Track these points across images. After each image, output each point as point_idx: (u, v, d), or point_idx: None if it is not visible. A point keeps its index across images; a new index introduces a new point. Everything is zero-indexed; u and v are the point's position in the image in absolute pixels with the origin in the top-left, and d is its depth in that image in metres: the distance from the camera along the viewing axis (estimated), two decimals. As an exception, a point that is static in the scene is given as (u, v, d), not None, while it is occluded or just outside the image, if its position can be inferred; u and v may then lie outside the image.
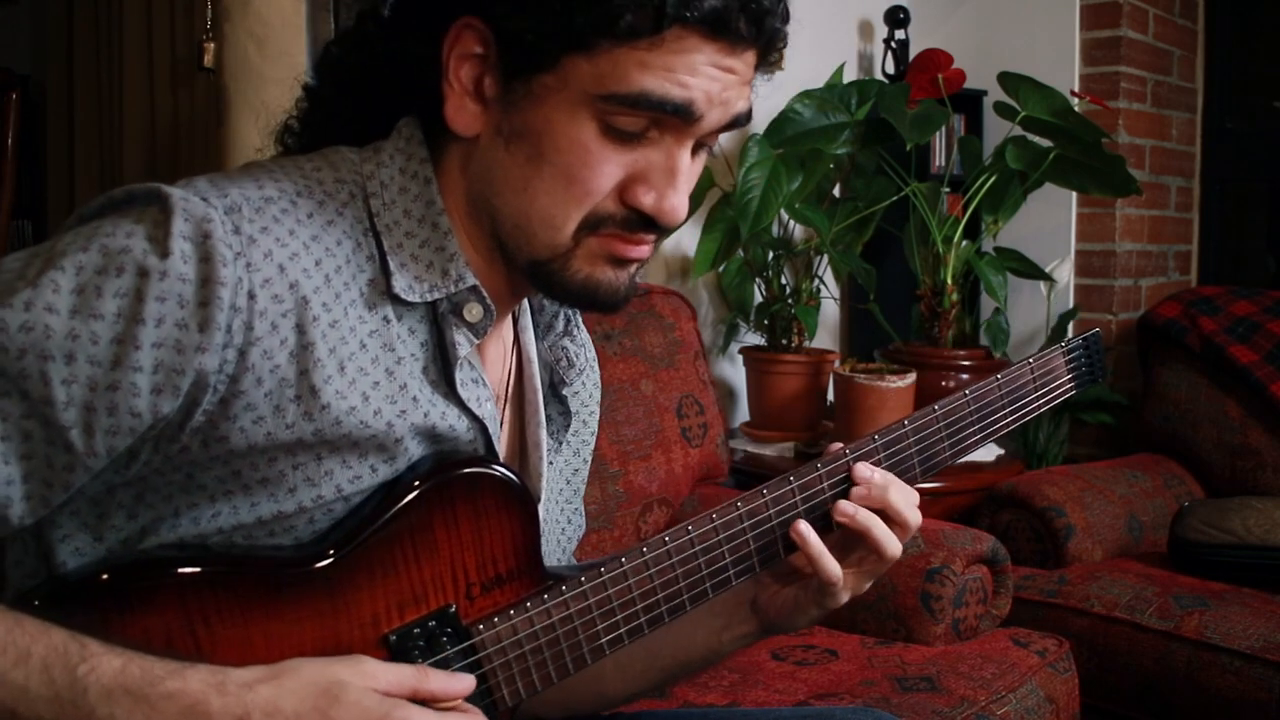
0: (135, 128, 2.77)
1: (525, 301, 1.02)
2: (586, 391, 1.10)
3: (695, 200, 2.52)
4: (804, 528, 0.95)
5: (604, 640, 0.91)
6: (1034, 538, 2.37)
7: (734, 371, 2.81)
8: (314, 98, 0.95)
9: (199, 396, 0.77)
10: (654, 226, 0.86)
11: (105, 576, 0.78)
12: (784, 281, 2.65)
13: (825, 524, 0.97)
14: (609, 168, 0.83)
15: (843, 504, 0.96)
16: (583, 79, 0.81)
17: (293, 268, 0.80)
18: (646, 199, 0.84)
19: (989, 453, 2.65)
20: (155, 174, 2.66)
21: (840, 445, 0.99)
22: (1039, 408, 1.06)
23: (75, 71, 2.99)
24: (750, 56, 0.86)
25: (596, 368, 1.12)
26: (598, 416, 1.12)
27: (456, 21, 0.83)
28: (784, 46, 0.91)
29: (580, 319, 1.06)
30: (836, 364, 2.59)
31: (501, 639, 0.88)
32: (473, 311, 0.88)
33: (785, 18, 0.87)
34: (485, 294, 0.88)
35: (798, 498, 0.96)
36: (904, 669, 1.69)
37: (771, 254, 2.62)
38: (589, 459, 1.13)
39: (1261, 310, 2.70)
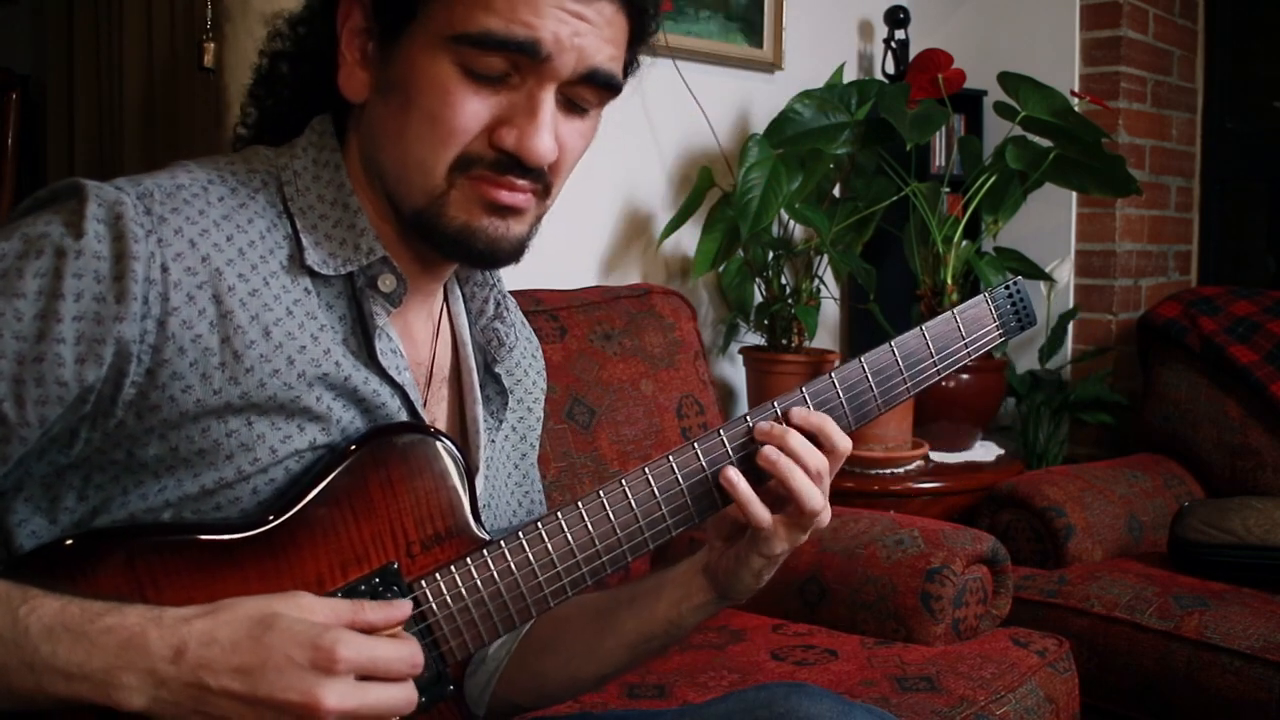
0: (135, 128, 2.77)
1: (458, 288, 1.07)
2: (529, 379, 1.14)
3: (695, 200, 2.53)
4: (732, 473, 0.96)
5: (546, 591, 0.93)
6: (1034, 538, 2.37)
7: (734, 371, 2.81)
8: (255, 102, 1.03)
9: (124, 367, 0.82)
10: (523, 170, 0.89)
11: (50, 548, 0.83)
12: (784, 281, 2.65)
13: (757, 476, 0.97)
14: (472, 108, 0.87)
15: (766, 450, 0.96)
16: (438, 22, 0.86)
17: (203, 242, 0.85)
18: (509, 138, 0.87)
19: (989, 452, 2.65)
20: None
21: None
22: (967, 355, 1.05)
23: (75, 71, 2.99)
24: (607, 8, 0.88)
25: (541, 358, 1.17)
26: (542, 403, 1.17)
27: None
28: (655, 13, 0.94)
29: (511, 302, 1.10)
30: (836, 364, 2.58)
31: (444, 593, 0.91)
32: (386, 282, 0.93)
33: None
34: (396, 265, 0.94)
35: (728, 448, 0.97)
36: (904, 669, 1.69)
37: (771, 254, 2.62)
38: (536, 445, 1.17)
39: (1261, 310, 2.70)
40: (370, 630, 0.82)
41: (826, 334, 3.09)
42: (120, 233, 0.81)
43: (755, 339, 2.71)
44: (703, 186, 2.53)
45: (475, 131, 0.88)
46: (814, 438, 0.97)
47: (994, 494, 2.44)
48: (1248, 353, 2.63)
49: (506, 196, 0.90)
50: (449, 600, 0.91)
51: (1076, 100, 2.71)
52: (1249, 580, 2.16)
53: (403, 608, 0.85)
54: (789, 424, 0.97)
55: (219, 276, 0.85)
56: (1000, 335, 1.07)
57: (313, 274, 0.91)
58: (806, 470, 0.96)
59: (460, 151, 0.88)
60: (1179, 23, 3.23)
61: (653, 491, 0.96)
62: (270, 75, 1.01)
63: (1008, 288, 1.08)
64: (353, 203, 0.93)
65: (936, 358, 1.04)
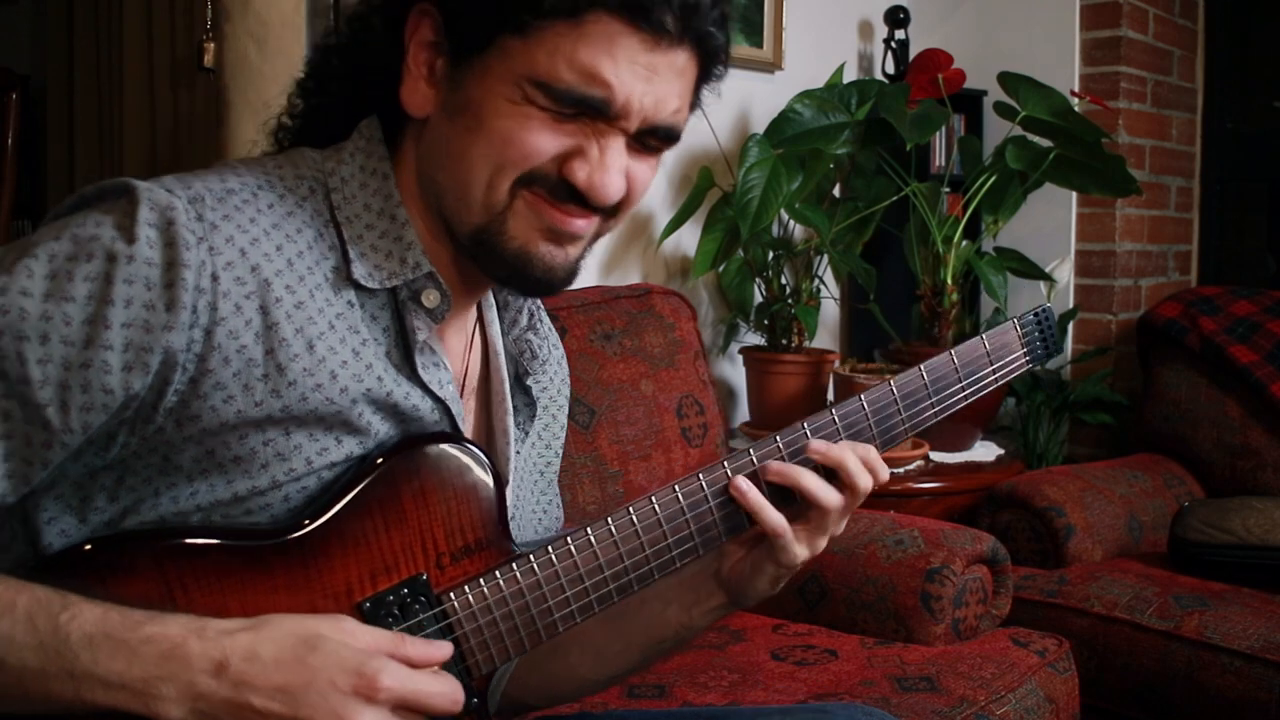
0: (135, 128, 2.77)
1: (491, 297, 1.07)
2: (554, 387, 1.14)
3: (695, 200, 2.53)
4: (742, 483, 0.96)
5: (573, 607, 0.93)
6: (1034, 538, 2.37)
7: (734, 371, 2.81)
8: (304, 95, 1.00)
9: (169, 375, 0.81)
10: (585, 204, 0.89)
11: (86, 549, 0.82)
12: (784, 281, 2.64)
13: (785, 496, 0.98)
14: (546, 136, 0.87)
15: (772, 464, 0.97)
16: (516, 60, 0.85)
17: (254, 252, 0.84)
18: (580, 173, 0.87)
19: (989, 452, 2.65)
20: (155, 174, 2.66)
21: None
22: (994, 381, 1.06)
23: (75, 71, 2.99)
24: (679, 58, 0.88)
25: (565, 366, 1.16)
26: (566, 411, 1.16)
27: (414, 9, 0.90)
28: (725, 58, 0.93)
29: (544, 314, 1.10)
30: (836, 364, 2.59)
31: (472, 605, 0.91)
32: (430, 297, 0.92)
33: (721, 22, 0.90)
34: (441, 280, 0.92)
35: (756, 468, 0.97)
36: (904, 669, 1.69)
37: (771, 254, 2.62)
38: (560, 452, 1.16)
39: (1261, 310, 2.70)
40: (409, 665, 0.81)
41: (826, 334, 3.09)
42: (172, 239, 0.80)
43: (755, 339, 2.71)
44: (703, 186, 2.53)
45: (547, 157, 0.87)
46: (832, 474, 0.98)
47: (994, 494, 2.43)
48: (1248, 353, 2.63)
49: (566, 223, 0.89)
50: (476, 614, 0.91)
51: (1076, 100, 2.71)
52: (1249, 580, 2.16)
53: (443, 648, 0.85)
54: (808, 454, 0.97)
55: (267, 287, 0.84)
56: (1027, 361, 1.08)
57: (357, 286, 0.90)
58: (842, 484, 0.97)
59: (524, 170, 0.87)
60: (1179, 23, 3.23)
61: (681, 509, 0.96)
62: (321, 70, 0.99)
63: (1036, 314, 1.09)
64: (400, 214, 0.92)
65: (964, 382, 1.05)
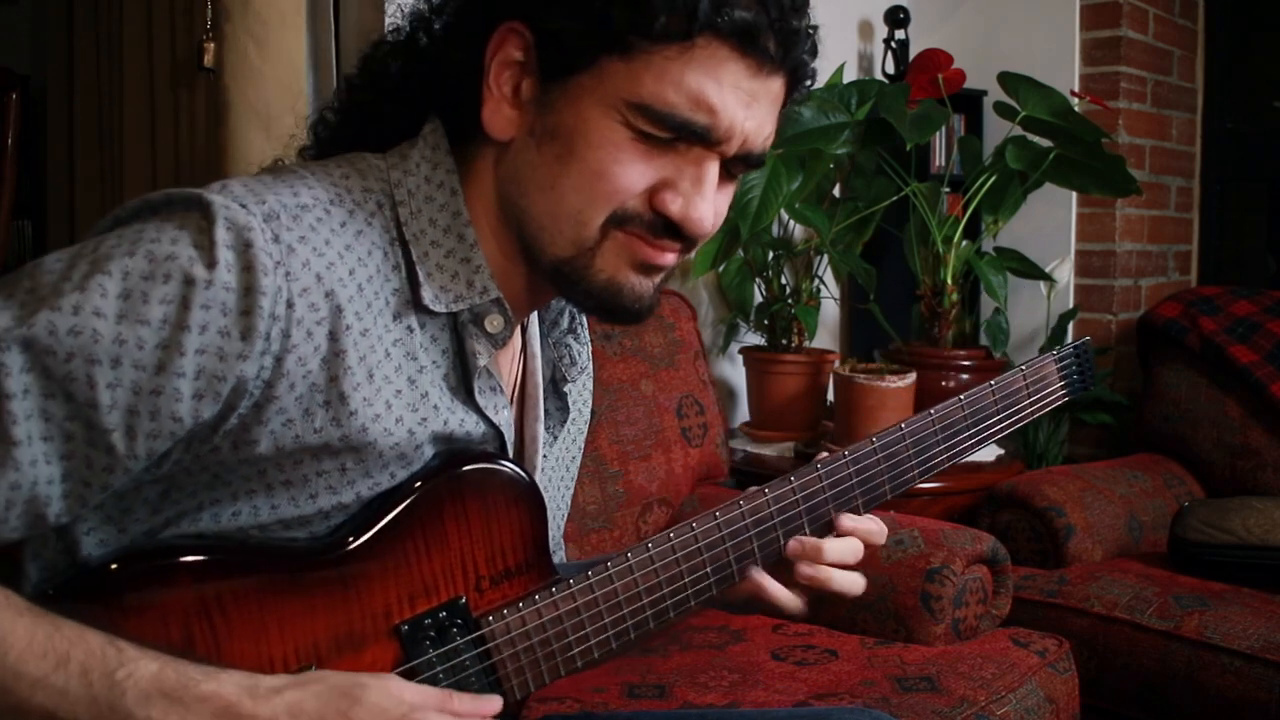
0: (135, 128, 2.77)
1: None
2: (581, 383, 1.12)
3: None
4: (757, 574, 0.99)
5: (610, 634, 0.93)
6: (1034, 538, 2.36)
7: (734, 371, 2.81)
8: (354, 93, 0.97)
9: (236, 402, 0.79)
10: (679, 235, 0.87)
11: (121, 564, 0.81)
12: (784, 281, 2.64)
13: (824, 530, 1.01)
14: (639, 168, 0.84)
15: (801, 568, 0.99)
16: (617, 82, 0.83)
17: (329, 277, 0.81)
18: (674, 205, 0.85)
19: (989, 453, 2.65)
20: (155, 174, 2.66)
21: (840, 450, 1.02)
22: (1031, 414, 1.09)
23: (75, 71, 2.99)
24: (776, 85, 0.87)
25: (591, 367, 1.14)
26: (590, 405, 1.16)
27: (501, 25, 0.86)
28: (811, 83, 0.92)
29: (585, 317, 1.07)
30: (836, 364, 2.59)
31: (510, 631, 0.90)
32: (494, 323, 0.90)
33: (814, 51, 0.90)
34: (507, 305, 0.90)
35: (798, 495, 0.99)
36: (904, 669, 1.69)
37: (771, 254, 2.62)
38: (583, 446, 1.16)
39: (1261, 310, 2.70)
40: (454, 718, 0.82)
41: (826, 334, 3.09)
42: (250, 263, 0.77)
43: (755, 339, 2.71)
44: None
45: (638, 191, 0.85)
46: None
47: (994, 494, 2.43)
48: (1248, 353, 2.62)
49: (658, 258, 0.88)
50: (515, 640, 0.90)
51: (1076, 100, 2.71)
52: (1249, 580, 2.16)
53: (493, 703, 0.85)
54: (840, 529, 1.01)
55: (339, 314, 0.82)
56: (1064, 394, 1.11)
57: (419, 310, 0.87)
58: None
59: (616, 208, 0.85)
60: (1179, 23, 3.23)
61: (724, 537, 0.96)
62: (378, 70, 0.95)
63: (1075, 348, 1.12)
64: (469, 234, 0.89)
65: (1003, 414, 1.07)
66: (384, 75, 0.95)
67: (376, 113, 0.95)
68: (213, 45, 2.27)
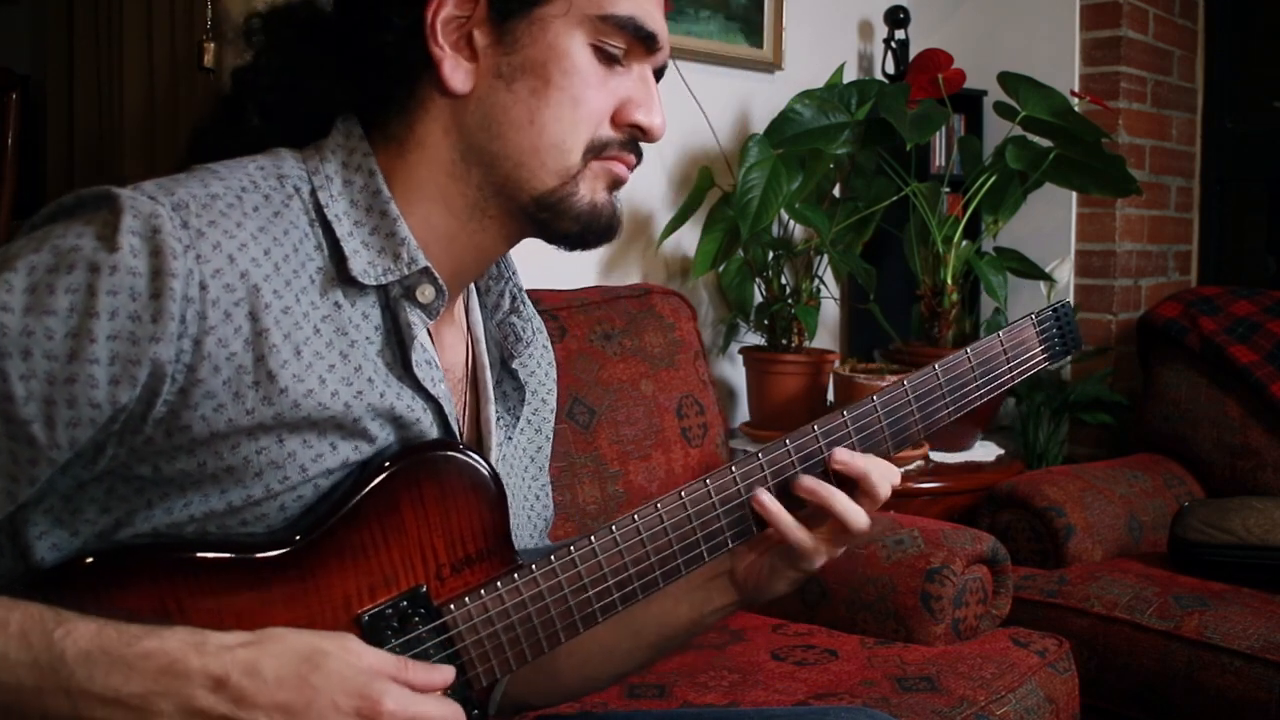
0: (135, 128, 2.77)
1: (472, 284, 1.06)
2: (542, 370, 1.12)
3: (695, 200, 2.53)
4: (765, 497, 0.97)
5: (577, 617, 0.92)
6: (1034, 538, 2.37)
7: (734, 371, 2.81)
8: (246, 97, 0.96)
9: (158, 387, 0.79)
10: (637, 148, 0.95)
11: (75, 565, 0.81)
12: (784, 281, 2.64)
13: (795, 500, 0.98)
14: (604, 92, 0.91)
15: (803, 479, 0.98)
16: (581, 3, 0.90)
17: (242, 257, 0.82)
18: (639, 115, 0.93)
19: (989, 452, 2.65)
20: (155, 173, 2.66)
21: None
22: (1011, 379, 1.05)
23: (75, 71, 2.99)
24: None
25: (550, 347, 1.15)
26: (555, 395, 1.15)
27: None
28: None
29: (526, 296, 1.09)
30: (836, 364, 2.59)
31: (473, 617, 0.89)
32: (425, 293, 0.91)
33: None
34: (437, 275, 0.91)
35: (767, 473, 0.97)
36: (904, 669, 1.69)
37: (771, 254, 2.62)
38: (550, 437, 1.15)
39: (1261, 310, 2.70)
40: (411, 689, 0.81)
41: (826, 334, 3.09)
42: (158, 248, 0.78)
43: (755, 339, 2.71)
44: (703, 186, 2.53)
45: (607, 112, 0.92)
46: (855, 485, 0.99)
47: (994, 494, 2.43)
48: (1248, 353, 2.62)
49: (626, 173, 0.95)
50: (478, 626, 0.89)
51: (1076, 100, 2.71)
52: (1249, 580, 2.16)
53: (445, 674, 0.84)
54: (831, 468, 0.98)
55: (256, 293, 0.82)
56: (1045, 358, 1.07)
57: (345, 286, 0.88)
58: (862, 493, 0.99)
59: (593, 134, 0.91)
60: (1179, 23, 3.23)
61: (689, 516, 0.95)
62: (285, 69, 0.95)
63: (1055, 309, 1.08)
64: (391, 209, 0.90)
65: (980, 380, 1.04)
66: (301, 73, 0.94)
67: (286, 113, 0.94)
68: (213, 45, 2.27)
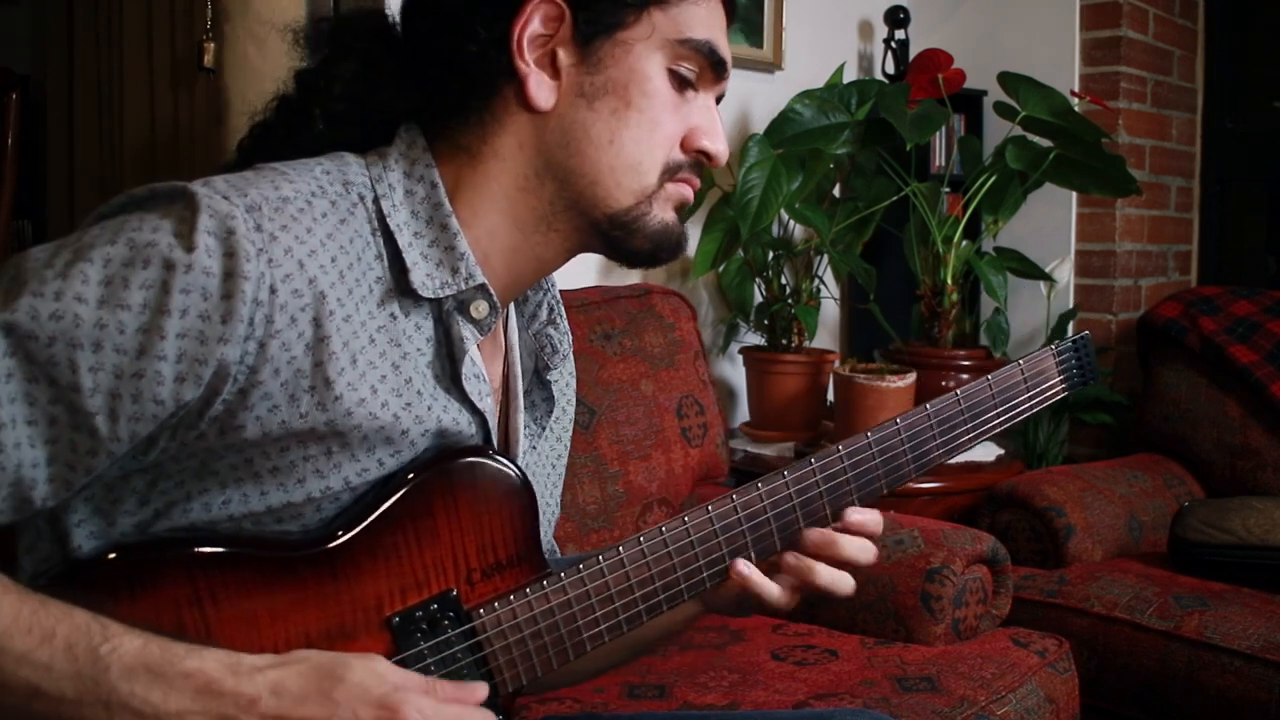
0: (135, 128, 2.77)
1: None
2: (564, 380, 1.14)
3: (695, 200, 2.52)
4: (743, 566, 0.97)
5: (603, 627, 0.93)
6: (1034, 538, 2.37)
7: (734, 371, 2.81)
8: (306, 100, 0.96)
9: (220, 386, 0.80)
10: (701, 170, 0.98)
11: (115, 555, 0.82)
12: (784, 281, 2.64)
13: (818, 523, 1.01)
14: (678, 117, 0.94)
15: (788, 559, 0.99)
16: (663, 27, 0.92)
17: (311, 264, 0.83)
18: (707, 142, 0.96)
19: (989, 452, 2.65)
20: (155, 174, 2.67)
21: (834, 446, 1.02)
22: (1030, 409, 1.08)
23: (75, 71, 2.99)
24: None
25: (571, 357, 1.15)
26: (574, 404, 1.17)
27: (528, 3, 0.90)
28: None
29: (562, 308, 1.09)
30: (836, 364, 2.59)
31: (501, 623, 0.90)
32: (479, 309, 0.92)
33: None
34: (492, 292, 0.92)
35: (791, 490, 0.99)
36: (904, 669, 1.69)
37: (771, 254, 2.62)
38: (569, 445, 1.17)
39: (1261, 310, 2.70)
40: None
41: (826, 334, 3.09)
42: (232, 249, 0.79)
43: (755, 339, 2.71)
44: (703, 186, 2.53)
45: (680, 136, 0.95)
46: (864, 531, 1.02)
47: (994, 494, 2.43)
48: (1248, 353, 2.62)
49: (692, 194, 0.98)
50: (506, 632, 0.90)
51: (1076, 100, 2.71)
52: (1249, 580, 2.16)
53: (479, 690, 0.84)
54: (847, 524, 1.01)
55: (322, 300, 0.83)
56: (1064, 388, 1.10)
57: (402, 298, 0.89)
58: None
59: (668, 156, 0.94)
60: (1179, 23, 3.23)
61: (714, 531, 0.96)
62: (359, 77, 0.94)
63: (1074, 342, 1.11)
64: (452, 224, 0.91)
65: (1000, 409, 1.06)
66: (371, 82, 0.94)
67: (350, 118, 0.94)
68: (213, 45, 2.27)
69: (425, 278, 0.89)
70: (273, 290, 0.81)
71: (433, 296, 0.90)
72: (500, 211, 0.93)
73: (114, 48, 2.84)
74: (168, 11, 2.68)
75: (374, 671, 0.79)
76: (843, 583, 1.01)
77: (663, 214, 0.95)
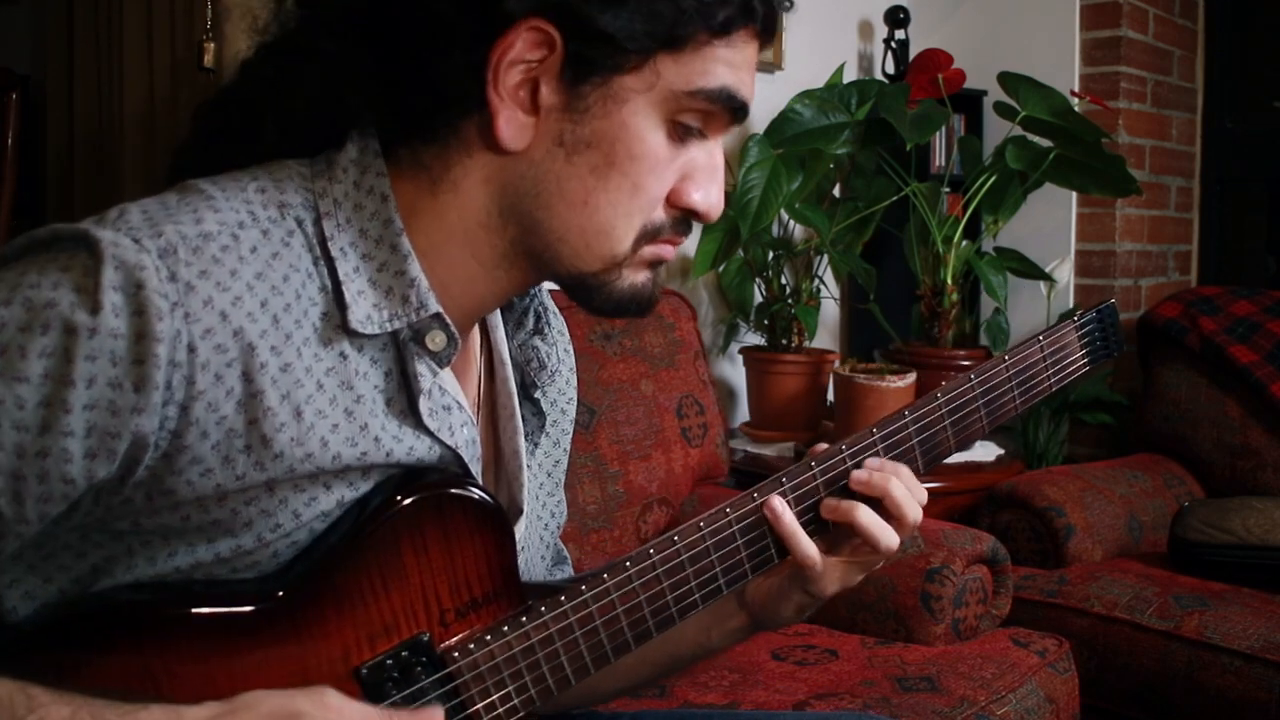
0: (135, 128, 2.77)
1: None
2: (563, 379, 1.06)
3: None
4: (777, 503, 0.91)
5: (588, 660, 0.87)
6: (1034, 538, 2.36)
7: (734, 371, 2.81)
8: (258, 88, 0.85)
9: (139, 455, 0.73)
10: (689, 225, 0.87)
11: (54, 627, 0.75)
12: (784, 281, 2.64)
13: (820, 525, 0.94)
14: (669, 173, 0.83)
15: (828, 500, 0.93)
16: (669, 77, 0.80)
17: (236, 313, 0.74)
18: (696, 197, 0.84)
19: (989, 452, 2.65)
20: (155, 173, 2.66)
21: (827, 446, 0.96)
22: (1051, 386, 1.01)
23: (75, 71, 2.99)
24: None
25: (571, 353, 1.09)
26: (575, 404, 1.09)
27: (517, 25, 0.78)
28: None
29: (551, 314, 1.03)
30: (836, 364, 2.59)
31: (479, 665, 0.84)
32: (435, 340, 0.82)
33: None
34: (449, 321, 0.82)
35: (790, 498, 0.92)
36: (904, 669, 1.69)
37: (771, 254, 2.62)
38: (568, 449, 1.09)
39: (1261, 310, 2.70)
40: None
41: (826, 334, 3.09)
42: (141, 307, 0.70)
43: (755, 339, 2.71)
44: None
45: (665, 193, 0.83)
46: (877, 503, 0.93)
47: (994, 494, 2.43)
48: (1248, 353, 2.62)
49: (671, 253, 0.87)
50: (484, 675, 0.84)
51: (1076, 100, 2.71)
52: (1249, 580, 2.16)
53: (434, 715, 0.78)
54: (851, 486, 0.93)
55: (251, 352, 0.74)
56: (1087, 362, 1.02)
57: (351, 333, 0.79)
58: (889, 514, 0.93)
59: (647, 220, 0.83)
60: (1179, 23, 3.23)
61: (707, 549, 0.89)
62: (328, 82, 0.82)
63: (1098, 311, 1.03)
64: (403, 245, 0.81)
65: (1019, 389, 0.99)
66: (293, 75, 0.83)
67: (295, 120, 0.84)
68: (213, 45, 2.27)
69: (371, 309, 0.79)
70: (191, 349, 0.72)
71: (376, 332, 0.80)
72: (459, 244, 0.83)
73: (114, 48, 2.84)
74: (168, 11, 2.67)
75: (330, 714, 0.72)
76: (884, 533, 0.92)
77: (633, 277, 0.85)
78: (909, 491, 0.94)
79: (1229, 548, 2.20)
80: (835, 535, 0.95)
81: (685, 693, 1.59)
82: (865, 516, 0.92)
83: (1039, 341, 1.01)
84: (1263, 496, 2.41)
